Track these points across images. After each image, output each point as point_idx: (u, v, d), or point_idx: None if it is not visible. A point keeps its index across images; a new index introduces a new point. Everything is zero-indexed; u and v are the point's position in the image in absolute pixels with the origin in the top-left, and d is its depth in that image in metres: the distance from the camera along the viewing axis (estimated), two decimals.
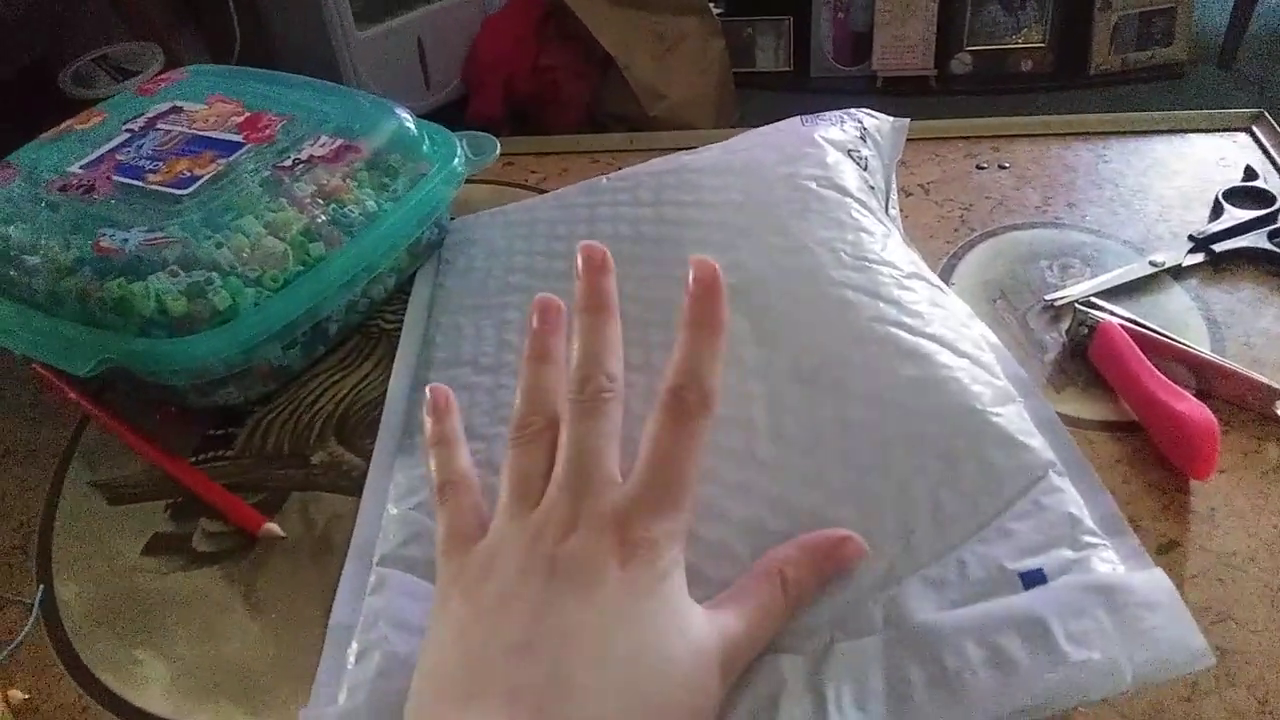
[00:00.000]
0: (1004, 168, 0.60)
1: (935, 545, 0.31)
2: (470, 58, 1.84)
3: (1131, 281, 0.50)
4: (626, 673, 0.27)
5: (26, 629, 0.39)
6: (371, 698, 0.32)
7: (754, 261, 0.41)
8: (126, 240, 0.42)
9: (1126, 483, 0.40)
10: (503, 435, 0.36)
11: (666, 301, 0.40)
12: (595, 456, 0.31)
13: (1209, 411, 0.39)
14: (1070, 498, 0.32)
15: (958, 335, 0.37)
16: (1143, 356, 0.43)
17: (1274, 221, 0.52)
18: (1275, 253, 0.50)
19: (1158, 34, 2.03)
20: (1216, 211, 0.54)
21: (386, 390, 0.45)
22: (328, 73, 1.44)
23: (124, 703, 0.36)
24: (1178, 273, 0.50)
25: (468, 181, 0.52)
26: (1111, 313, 0.46)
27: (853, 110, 0.51)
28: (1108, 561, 0.30)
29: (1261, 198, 0.54)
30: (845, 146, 0.47)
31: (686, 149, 0.51)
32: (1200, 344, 0.45)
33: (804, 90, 2.10)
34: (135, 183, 0.46)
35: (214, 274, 0.42)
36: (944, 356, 0.36)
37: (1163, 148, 0.60)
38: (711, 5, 1.90)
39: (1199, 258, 0.51)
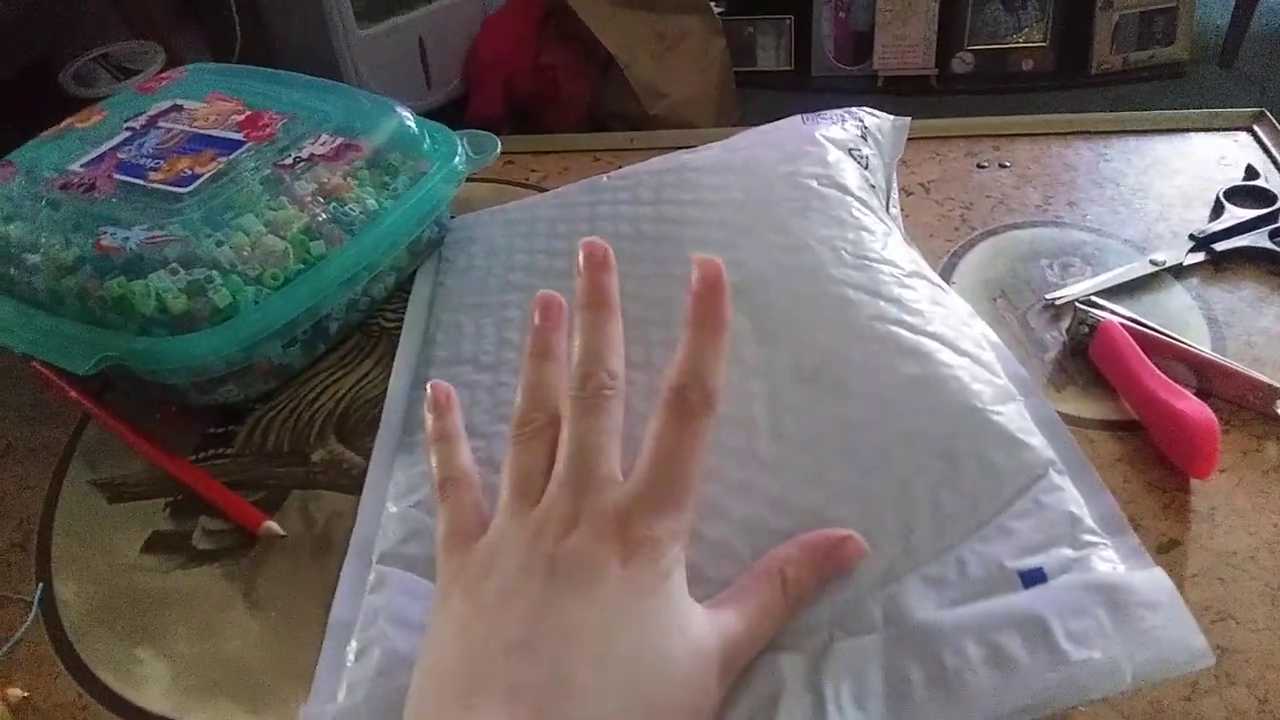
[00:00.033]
0: (1005, 167, 0.60)
1: (935, 543, 0.31)
2: (471, 57, 1.85)
3: (1132, 280, 0.50)
4: (627, 672, 0.27)
5: (25, 627, 0.39)
6: (371, 695, 0.32)
7: (754, 260, 0.41)
8: (127, 238, 0.42)
9: (1127, 482, 0.40)
10: (503, 433, 0.36)
11: (666, 300, 0.40)
12: (596, 454, 0.31)
13: (1209, 410, 0.39)
14: (1070, 496, 0.32)
15: (958, 334, 0.37)
16: (1143, 355, 0.43)
17: (1275, 221, 0.52)
18: (1276, 252, 0.50)
19: (1159, 33, 2.03)
20: (1217, 210, 0.54)
21: (387, 388, 0.45)
22: (328, 71, 1.44)
23: (123, 701, 0.36)
24: (1178, 272, 0.50)
25: (468, 180, 0.52)
26: (1112, 312, 0.46)
27: (854, 109, 0.51)
28: (1108, 560, 0.30)
29: (1262, 197, 0.53)
30: (846, 145, 0.47)
31: (687, 148, 0.51)
32: (1201, 343, 0.45)
33: (805, 89, 2.09)
34: (136, 181, 0.46)
35: (214, 272, 0.42)
36: (945, 355, 0.36)
37: (1163, 147, 0.60)
38: (712, 4, 1.90)
39: (1200, 257, 0.51)
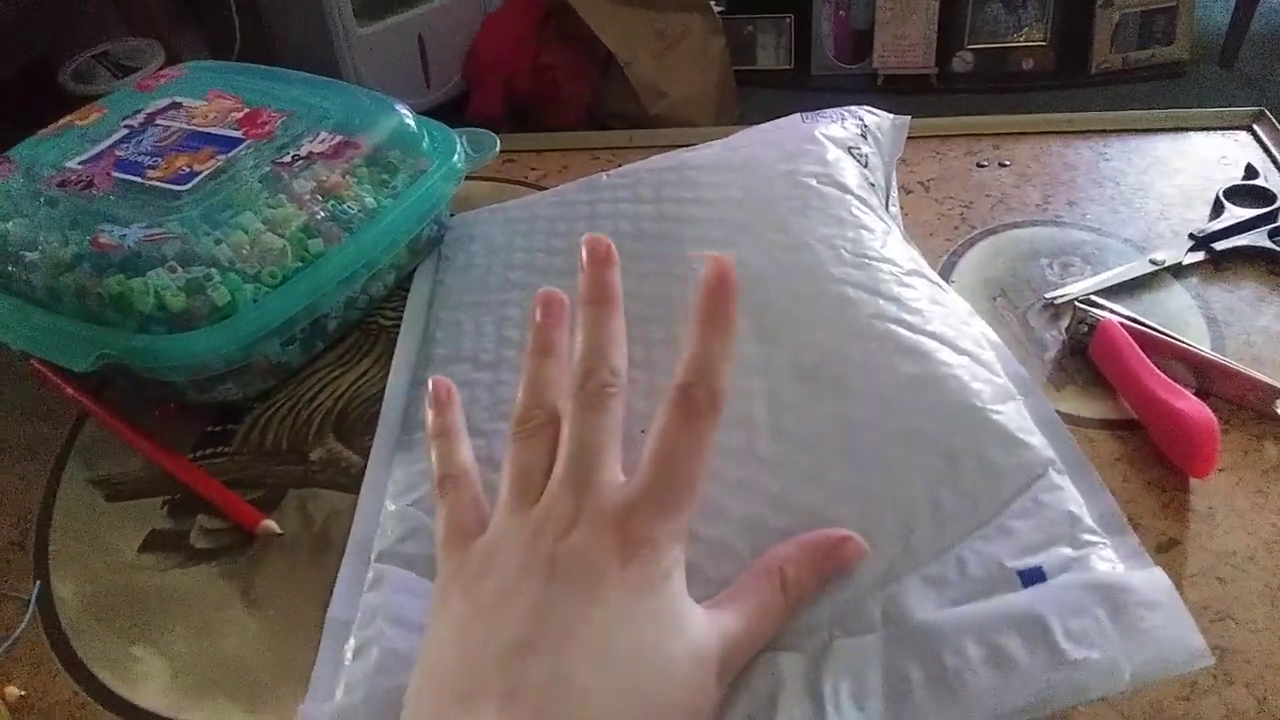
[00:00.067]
0: (1004, 165, 0.59)
1: (935, 543, 0.31)
2: (471, 56, 1.85)
3: (1132, 280, 0.49)
4: (626, 672, 0.27)
5: (23, 625, 0.39)
6: (369, 694, 0.32)
7: (754, 258, 0.40)
8: (125, 236, 0.42)
9: (1126, 481, 0.40)
10: (503, 432, 0.35)
11: (667, 298, 0.40)
12: (597, 452, 0.31)
13: (1209, 410, 0.39)
14: (1070, 496, 0.32)
15: (958, 333, 0.37)
16: (1143, 355, 0.43)
17: (1274, 220, 0.52)
18: (1276, 251, 0.50)
19: (1159, 33, 2.03)
20: (1217, 210, 0.54)
21: (385, 387, 0.45)
22: (328, 70, 1.44)
23: (121, 699, 0.36)
24: (1178, 271, 0.50)
25: (467, 178, 0.52)
26: (1112, 311, 0.46)
27: (853, 108, 0.51)
28: (1107, 560, 0.30)
29: (1262, 196, 0.53)
30: (846, 144, 0.47)
31: (687, 146, 0.51)
32: (1200, 342, 0.45)
33: (805, 88, 2.10)
34: (134, 179, 0.46)
35: (213, 270, 0.42)
36: (944, 354, 0.36)
37: (1163, 146, 0.60)
38: (712, 3, 1.90)
39: (1199, 256, 0.51)
